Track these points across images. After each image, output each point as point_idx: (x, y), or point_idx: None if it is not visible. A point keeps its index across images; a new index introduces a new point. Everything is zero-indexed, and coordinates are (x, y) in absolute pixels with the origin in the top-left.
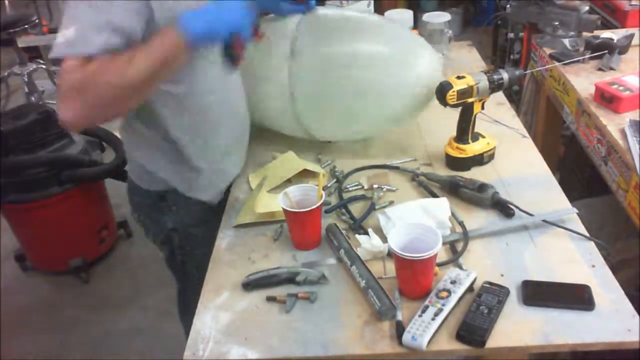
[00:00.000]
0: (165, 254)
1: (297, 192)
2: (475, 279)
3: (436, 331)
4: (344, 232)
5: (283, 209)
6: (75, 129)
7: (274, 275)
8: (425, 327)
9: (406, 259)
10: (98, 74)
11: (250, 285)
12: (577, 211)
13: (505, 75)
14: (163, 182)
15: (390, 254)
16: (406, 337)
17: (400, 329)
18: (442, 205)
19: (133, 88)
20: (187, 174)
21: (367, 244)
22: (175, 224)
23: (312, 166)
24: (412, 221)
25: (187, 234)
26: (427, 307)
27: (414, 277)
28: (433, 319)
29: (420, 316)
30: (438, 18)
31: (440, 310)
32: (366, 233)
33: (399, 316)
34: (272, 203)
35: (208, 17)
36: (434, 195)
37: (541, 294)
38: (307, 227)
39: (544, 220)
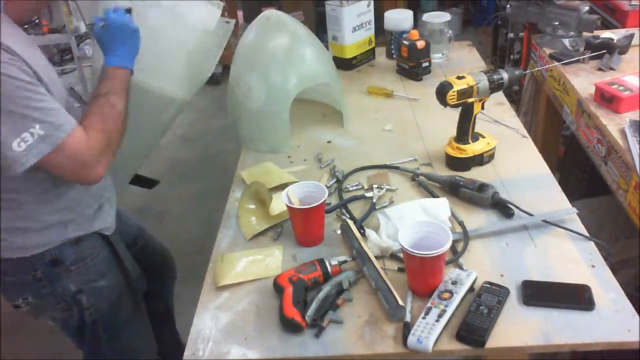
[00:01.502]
0: (72, 323)
1: (300, 189)
2: (475, 279)
3: (440, 333)
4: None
5: (287, 206)
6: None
7: (326, 297)
8: (430, 329)
9: (416, 256)
10: (105, 125)
11: (316, 320)
12: (577, 211)
13: (505, 75)
14: (55, 233)
15: (394, 252)
16: (411, 340)
17: (407, 330)
18: (442, 205)
19: (125, 118)
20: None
21: (376, 238)
22: (80, 284)
23: (286, 177)
24: (418, 220)
25: (94, 290)
26: (430, 308)
27: (423, 275)
28: (437, 321)
29: (424, 318)
30: (438, 18)
31: (444, 311)
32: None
33: (408, 317)
34: (281, 204)
35: (131, 51)
36: (434, 195)
37: (541, 294)
38: (312, 223)
39: (544, 220)
